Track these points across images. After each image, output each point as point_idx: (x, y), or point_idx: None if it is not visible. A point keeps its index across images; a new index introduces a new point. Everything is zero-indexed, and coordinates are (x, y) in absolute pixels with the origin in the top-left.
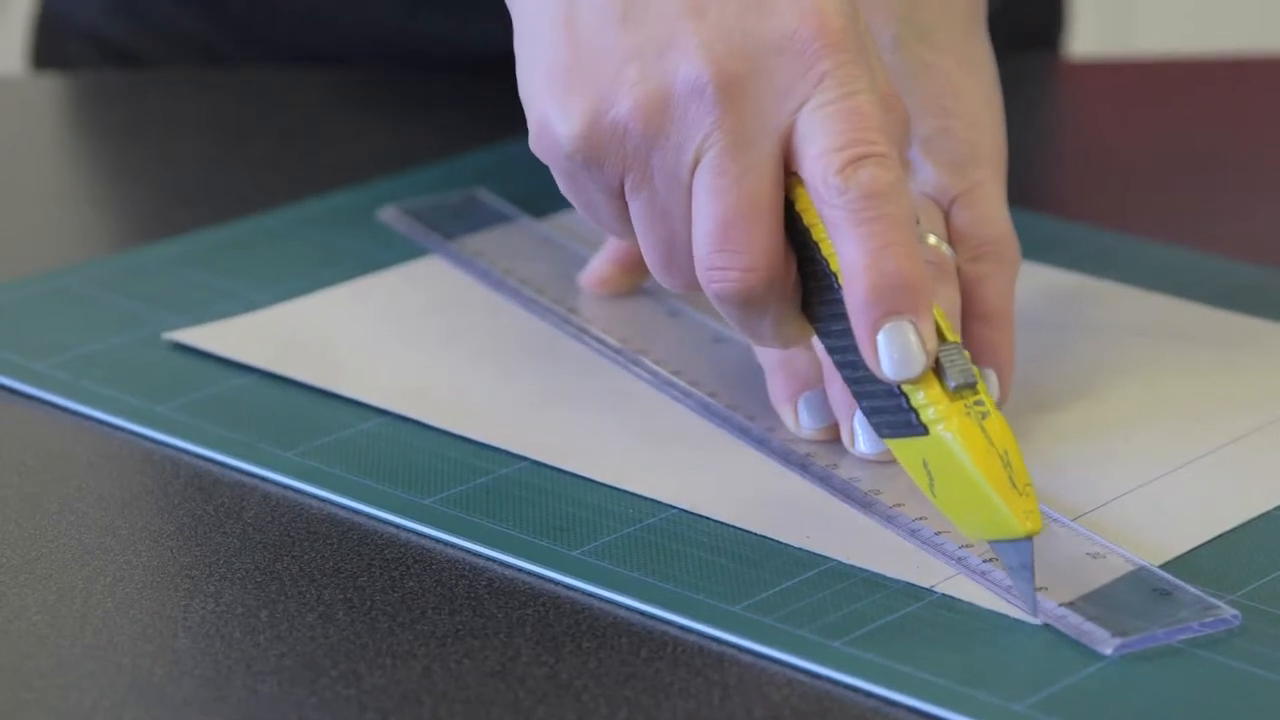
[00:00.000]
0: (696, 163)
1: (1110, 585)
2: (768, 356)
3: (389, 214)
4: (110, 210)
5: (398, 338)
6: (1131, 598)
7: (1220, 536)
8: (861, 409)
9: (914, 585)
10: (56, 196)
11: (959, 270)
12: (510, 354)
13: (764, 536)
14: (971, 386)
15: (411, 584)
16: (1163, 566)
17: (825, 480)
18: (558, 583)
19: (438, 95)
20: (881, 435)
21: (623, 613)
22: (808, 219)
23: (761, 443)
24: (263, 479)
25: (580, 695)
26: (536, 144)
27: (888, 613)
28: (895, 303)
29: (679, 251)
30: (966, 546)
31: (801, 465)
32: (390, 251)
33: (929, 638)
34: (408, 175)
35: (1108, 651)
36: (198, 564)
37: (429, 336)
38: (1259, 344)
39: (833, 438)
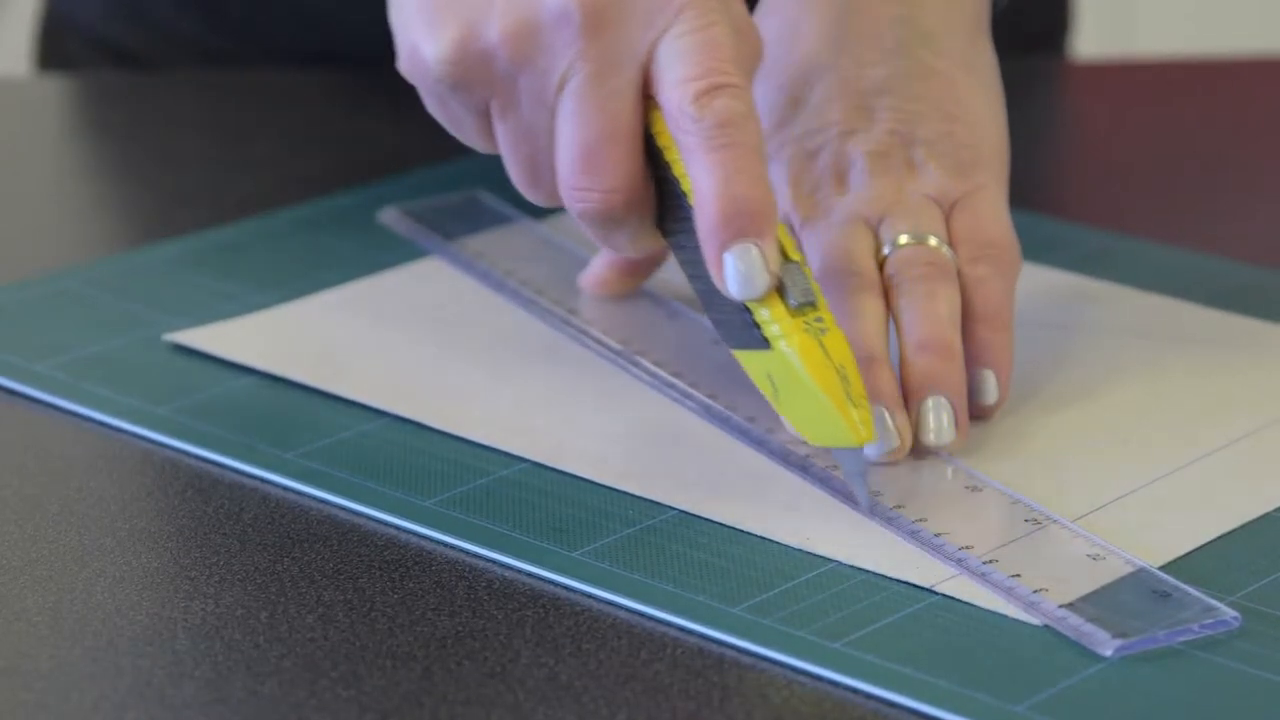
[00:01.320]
0: (561, 88)
1: (1110, 586)
2: None
3: (389, 215)
4: (111, 211)
5: (398, 339)
6: (1131, 599)
7: (1220, 538)
8: (710, 320)
9: (914, 586)
10: (57, 198)
11: (959, 273)
12: (510, 355)
13: (764, 537)
14: (812, 304)
15: (411, 585)
16: (1162, 568)
17: (825, 481)
18: (557, 584)
19: None
20: (729, 346)
21: (622, 614)
22: (663, 142)
23: (761, 443)
24: (262, 480)
25: (580, 697)
26: (405, 67)
27: (887, 614)
28: (742, 227)
29: (543, 170)
30: (966, 548)
31: (801, 466)
32: (390, 253)
33: (929, 639)
34: (408, 176)
35: (1107, 653)
36: (197, 565)
37: (429, 338)
38: (1259, 344)
39: None
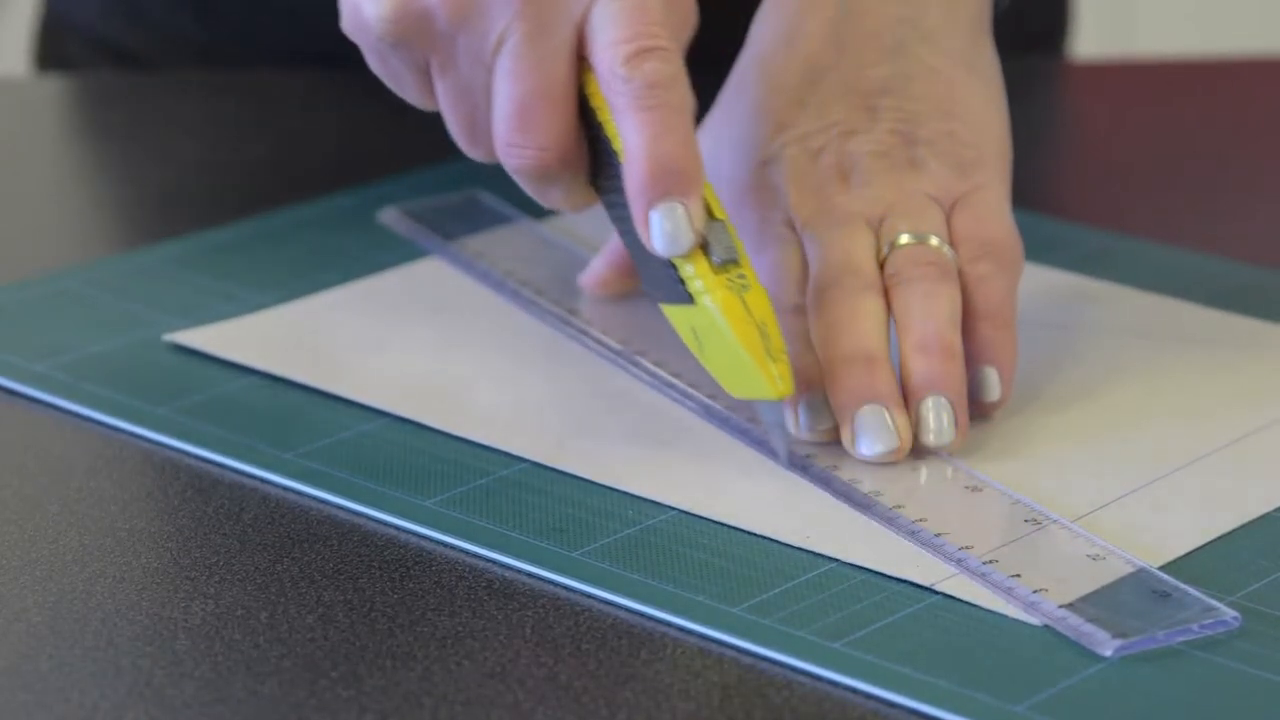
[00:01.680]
0: (498, 48)
1: (1110, 587)
2: None
3: (389, 215)
4: (111, 211)
5: (398, 339)
6: (1131, 599)
7: (1220, 538)
8: (640, 275)
9: (914, 586)
10: (57, 198)
11: (961, 272)
12: (510, 356)
13: (764, 537)
14: (735, 262)
15: (411, 585)
16: (1162, 568)
17: (825, 482)
18: (557, 584)
19: None
20: (656, 301)
21: (622, 614)
22: (596, 103)
23: (761, 444)
24: (262, 480)
25: (580, 697)
26: (347, 25)
27: (887, 614)
28: (668, 185)
29: (481, 127)
30: (966, 548)
31: (801, 466)
32: (390, 253)
33: (928, 639)
34: (408, 176)
35: (1107, 653)
36: (197, 565)
37: (429, 338)
38: (1259, 344)
39: (832, 439)
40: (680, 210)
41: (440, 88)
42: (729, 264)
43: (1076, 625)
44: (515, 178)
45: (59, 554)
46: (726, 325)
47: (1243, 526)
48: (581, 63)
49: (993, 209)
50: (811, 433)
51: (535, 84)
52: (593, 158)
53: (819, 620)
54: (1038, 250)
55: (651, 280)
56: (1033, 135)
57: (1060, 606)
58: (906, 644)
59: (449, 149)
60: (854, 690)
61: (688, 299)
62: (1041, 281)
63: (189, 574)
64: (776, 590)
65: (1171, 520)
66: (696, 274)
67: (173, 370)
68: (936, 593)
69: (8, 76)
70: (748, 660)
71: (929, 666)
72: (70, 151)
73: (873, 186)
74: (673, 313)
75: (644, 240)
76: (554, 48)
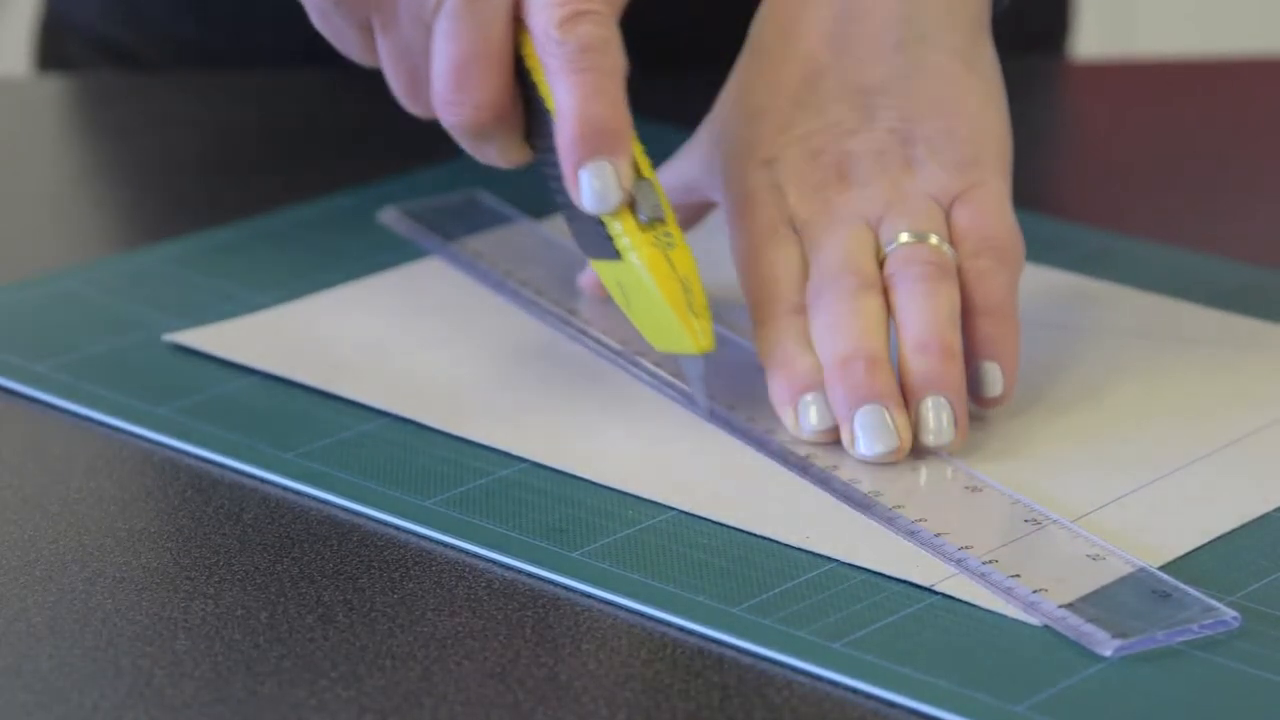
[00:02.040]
0: (438, 8)
1: (1110, 587)
2: (768, 358)
3: (389, 216)
4: (111, 211)
5: (398, 339)
6: (1131, 599)
7: (1220, 538)
8: (571, 230)
9: (913, 586)
10: (57, 198)
11: (961, 268)
12: (510, 356)
13: (764, 537)
14: (661, 220)
15: (411, 585)
16: (1162, 568)
17: (825, 482)
18: (557, 584)
19: None
20: (586, 255)
21: (622, 614)
22: (531, 64)
23: (761, 444)
24: (262, 480)
25: (580, 697)
26: None
27: (887, 614)
28: (597, 145)
29: (421, 84)
30: (966, 548)
31: (801, 467)
32: (390, 253)
33: (928, 639)
34: (408, 176)
35: (1107, 653)
36: (197, 565)
37: (429, 338)
38: (1259, 344)
39: (832, 439)
40: (609, 169)
41: (382, 45)
42: (655, 222)
43: (1076, 625)
44: (452, 134)
45: (59, 554)
46: (651, 281)
47: (1243, 526)
48: (518, 25)
49: (993, 204)
50: (811, 433)
51: (472, 45)
52: (528, 117)
53: (819, 620)
54: (1038, 250)
55: (581, 236)
56: (1033, 135)
57: (1060, 606)
58: (906, 644)
59: (449, 149)
60: (854, 690)
61: (615, 255)
62: (1041, 281)
63: (189, 574)
64: (776, 590)
65: (1171, 520)
66: (624, 231)
67: (173, 370)
68: (936, 593)
69: (8, 76)
70: (748, 660)
71: (929, 666)
72: (70, 151)
73: (872, 186)
74: (601, 268)
75: (573, 197)
76: (491, 10)
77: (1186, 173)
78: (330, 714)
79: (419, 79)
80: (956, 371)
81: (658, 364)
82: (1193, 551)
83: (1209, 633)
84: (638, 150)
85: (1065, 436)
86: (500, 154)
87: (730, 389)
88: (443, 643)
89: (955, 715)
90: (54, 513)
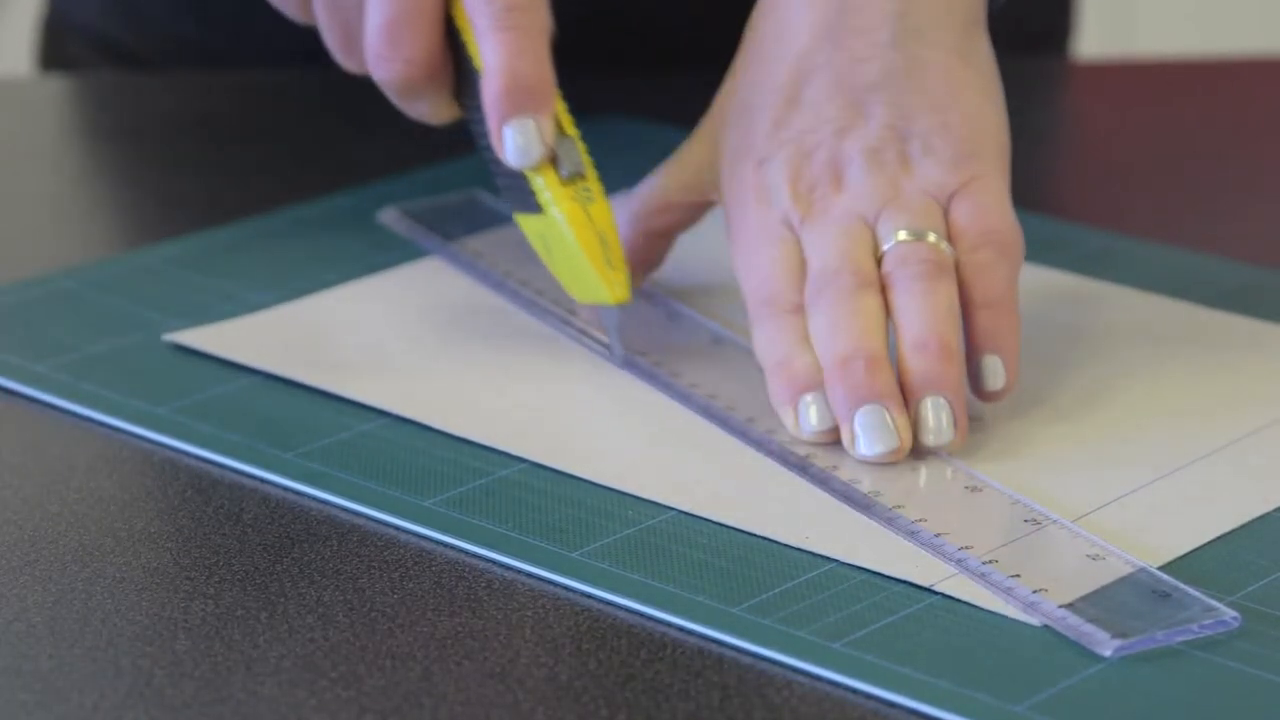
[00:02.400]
0: None
1: (1110, 587)
2: (767, 358)
3: (388, 215)
4: (110, 212)
5: (398, 338)
6: (1131, 599)
7: (1220, 538)
8: (497, 186)
9: (914, 587)
10: (57, 198)
11: (960, 263)
12: (511, 355)
13: (764, 537)
14: (581, 175)
15: (411, 585)
16: (1162, 568)
17: (824, 482)
18: (557, 584)
19: None
20: (511, 210)
21: (622, 614)
22: (460, 23)
23: (761, 444)
24: (262, 480)
25: (580, 697)
26: None
27: (887, 614)
28: (521, 102)
29: (355, 40)
30: (966, 548)
31: (801, 467)
32: (390, 253)
33: (928, 639)
34: (408, 176)
35: (1107, 653)
36: (197, 565)
37: (430, 337)
38: (1259, 344)
39: (832, 440)
40: (531, 125)
41: (317, 2)
42: (576, 177)
43: (1076, 625)
44: (384, 89)
45: (59, 554)
46: (570, 234)
47: (1243, 526)
48: None
49: (991, 198)
50: (811, 434)
51: (404, 2)
52: (458, 75)
53: (819, 620)
54: (1038, 250)
55: (506, 192)
56: (1033, 135)
57: (1060, 606)
58: (906, 644)
59: (448, 149)
60: (854, 690)
61: (537, 209)
62: (1041, 281)
63: (189, 574)
64: (776, 590)
65: (1171, 520)
66: (545, 185)
67: (173, 370)
68: (936, 593)
69: (9, 76)
70: (747, 660)
71: (929, 667)
72: (71, 152)
73: (868, 184)
74: (524, 221)
75: (498, 153)
76: None
77: (1186, 173)
78: (330, 714)
79: (353, 36)
80: (955, 371)
81: (657, 365)
82: (1193, 551)
83: (1209, 633)
84: (561, 108)
85: (1065, 437)
86: (430, 110)
87: (729, 390)
88: (443, 643)
89: (955, 715)
90: (54, 513)
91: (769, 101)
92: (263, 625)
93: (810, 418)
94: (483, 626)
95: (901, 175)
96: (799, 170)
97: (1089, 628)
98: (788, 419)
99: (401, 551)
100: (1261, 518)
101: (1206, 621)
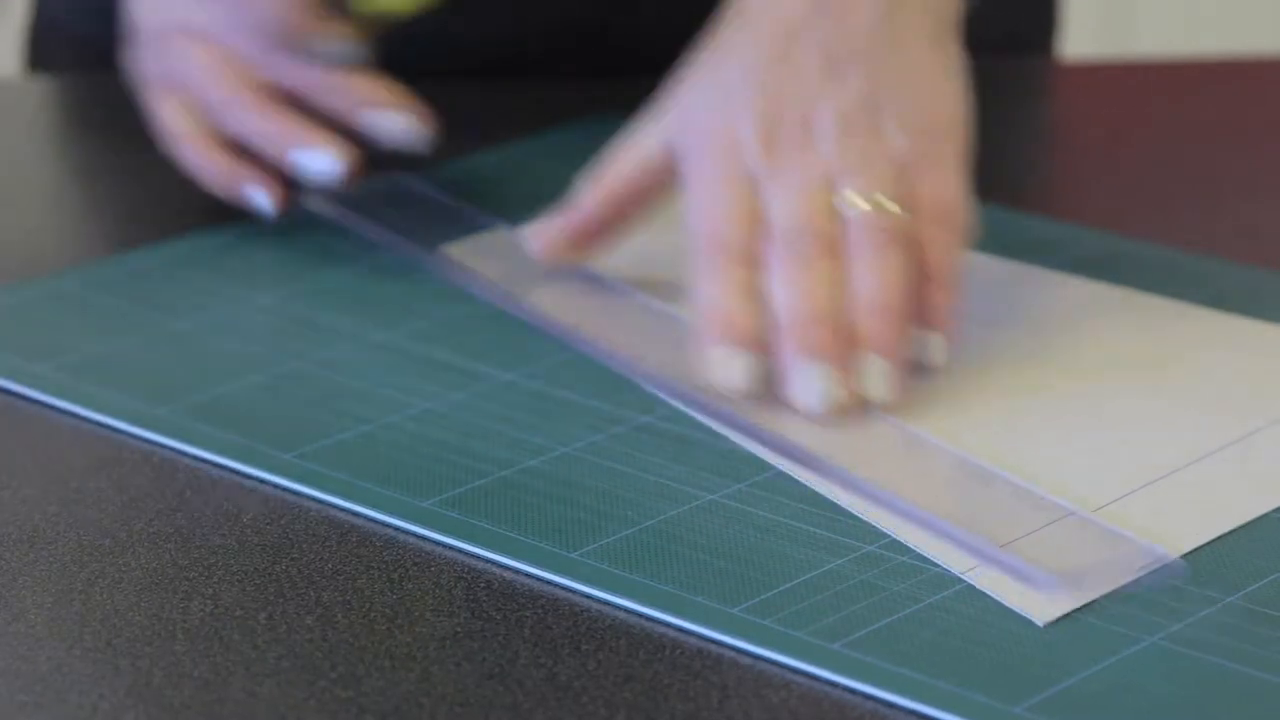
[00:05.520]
0: None
1: (1051, 529)
2: (709, 305)
3: (313, 201)
4: (110, 212)
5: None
6: (1074, 543)
7: (1220, 538)
8: None
9: (914, 588)
10: (55, 198)
11: (916, 233)
12: None
13: (761, 538)
14: None
15: (410, 586)
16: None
17: (757, 435)
18: (556, 585)
19: (433, 99)
20: None
21: (621, 615)
22: None
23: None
24: (261, 481)
25: (579, 697)
26: None
27: (885, 615)
28: None
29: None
30: (910, 500)
31: (735, 422)
32: (390, 253)
33: (928, 640)
34: (407, 176)
35: (1049, 590)
36: (196, 566)
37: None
38: (1259, 344)
39: (767, 392)
40: None
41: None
42: None
43: (1016, 565)
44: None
45: (58, 555)
46: None
47: (1243, 526)
48: None
49: (952, 178)
50: (728, 386)
51: None
52: None
53: (817, 621)
54: (1038, 251)
55: None
56: (1032, 136)
57: (1000, 547)
58: (905, 645)
59: (447, 149)
60: (852, 691)
61: None
62: (1042, 282)
63: (188, 574)
64: (774, 591)
65: (1172, 520)
66: None
67: (171, 371)
68: (935, 595)
69: (6, 77)
70: (746, 661)
71: (927, 667)
72: (68, 152)
73: (836, 149)
74: None
75: None
76: None
77: (1186, 173)
78: (329, 715)
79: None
80: (900, 333)
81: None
82: (1192, 551)
83: (1154, 580)
84: None
85: (1065, 437)
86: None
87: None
88: (441, 643)
89: (953, 716)
90: (52, 513)
91: (751, 58)
92: (261, 626)
93: (735, 371)
94: (482, 627)
95: (870, 143)
96: (773, 127)
97: (1029, 569)
98: (710, 362)
99: (400, 552)
100: (1261, 518)
101: (1151, 566)
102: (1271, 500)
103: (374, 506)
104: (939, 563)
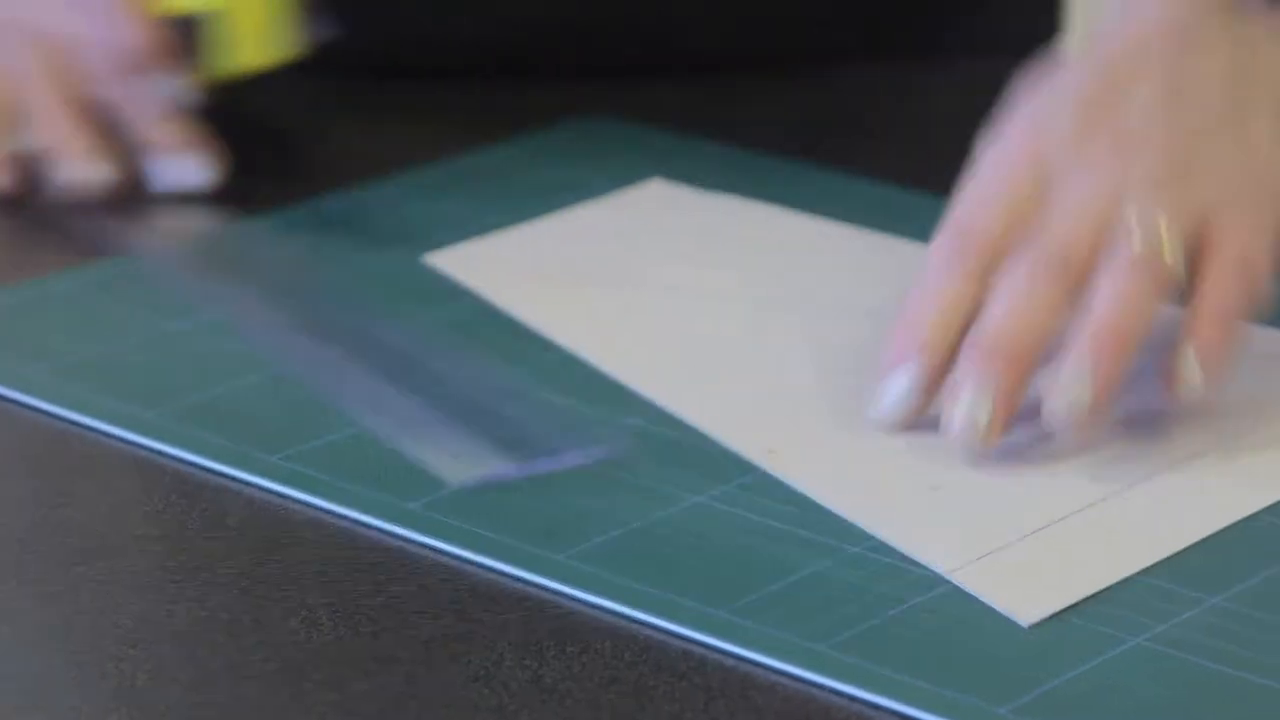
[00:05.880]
0: None
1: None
2: (912, 307)
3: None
4: (110, 211)
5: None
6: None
7: (1210, 537)
8: None
9: (899, 589)
10: (56, 198)
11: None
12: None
13: (746, 540)
14: None
15: (395, 589)
16: (1153, 568)
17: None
18: (541, 587)
19: (424, 100)
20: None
21: (607, 616)
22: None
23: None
24: (247, 484)
25: (564, 699)
26: None
27: (871, 617)
28: None
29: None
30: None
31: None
32: (383, 253)
33: (913, 642)
34: (407, 177)
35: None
36: (182, 569)
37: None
38: (1258, 345)
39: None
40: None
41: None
42: None
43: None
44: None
45: (44, 558)
46: None
47: (1232, 526)
48: None
49: (1253, 235)
50: (888, 406)
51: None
52: None
53: (803, 623)
54: None
55: None
56: None
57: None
58: (890, 647)
59: (435, 150)
60: (837, 693)
61: None
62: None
63: (173, 577)
64: (761, 593)
65: (1162, 519)
66: None
67: (160, 374)
68: (920, 597)
69: None
70: (731, 663)
71: (912, 669)
72: None
73: (1140, 169)
74: None
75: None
76: None
77: None
78: (315, 717)
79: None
80: (1116, 371)
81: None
82: (1183, 551)
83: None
84: None
85: (1056, 438)
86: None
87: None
88: (427, 645)
89: (938, 717)
90: (39, 517)
91: (1085, 80)
92: (247, 629)
93: (893, 393)
94: (467, 629)
95: (1179, 178)
96: (1092, 125)
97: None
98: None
99: (385, 555)
100: (1251, 518)
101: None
102: (1265, 500)
103: (359, 509)
104: (924, 564)
